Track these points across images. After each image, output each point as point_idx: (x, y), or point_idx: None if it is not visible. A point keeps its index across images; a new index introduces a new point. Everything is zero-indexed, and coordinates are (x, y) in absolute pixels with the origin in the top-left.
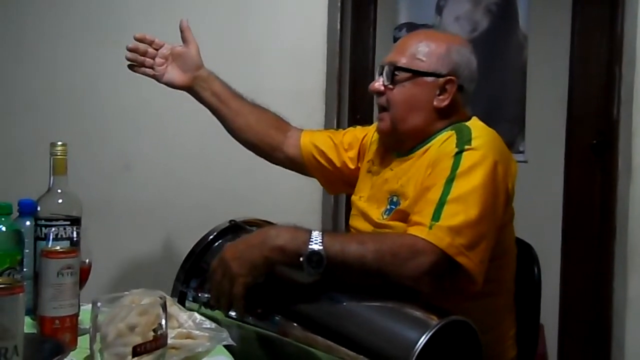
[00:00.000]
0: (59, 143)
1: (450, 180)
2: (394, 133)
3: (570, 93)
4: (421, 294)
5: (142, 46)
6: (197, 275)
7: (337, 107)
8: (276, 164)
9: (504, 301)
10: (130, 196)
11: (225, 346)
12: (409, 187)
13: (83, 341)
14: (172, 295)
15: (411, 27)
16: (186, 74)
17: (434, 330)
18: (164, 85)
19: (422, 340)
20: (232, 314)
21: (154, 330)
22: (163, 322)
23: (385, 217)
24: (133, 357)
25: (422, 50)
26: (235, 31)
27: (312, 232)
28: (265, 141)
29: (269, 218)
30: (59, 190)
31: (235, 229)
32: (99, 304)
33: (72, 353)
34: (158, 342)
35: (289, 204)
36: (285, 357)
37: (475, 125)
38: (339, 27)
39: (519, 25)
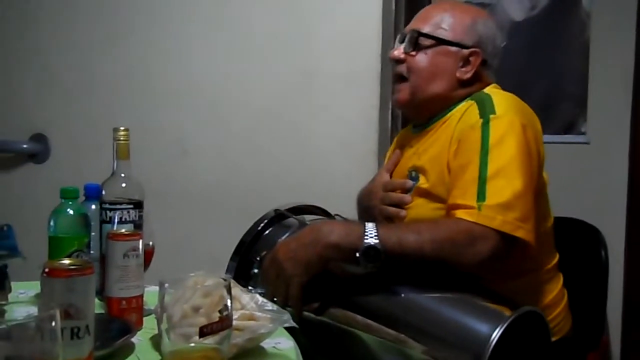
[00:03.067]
0: (122, 128)
1: (484, 155)
2: (412, 103)
3: (636, 72)
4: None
5: None
6: (248, 266)
7: (392, 88)
8: None
9: (545, 275)
10: (188, 181)
11: (287, 328)
12: (428, 162)
13: (147, 322)
14: None
15: None
16: None
17: (507, 324)
18: (220, 73)
19: (496, 333)
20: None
21: (220, 312)
22: (228, 303)
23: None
24: (200, 337)
25: (447, 20)
26: (289, 13)
27: (366, 225)
28: None
29: (321, 202)
30: (123, 175)
31: (281, 217)
32: (166, 285)
33: (138, 333)
34: (224, 323)
35: (341, 188)
36: (348, 343)
37: (494, 91)
38: (394, 7)
39: (582, 2)
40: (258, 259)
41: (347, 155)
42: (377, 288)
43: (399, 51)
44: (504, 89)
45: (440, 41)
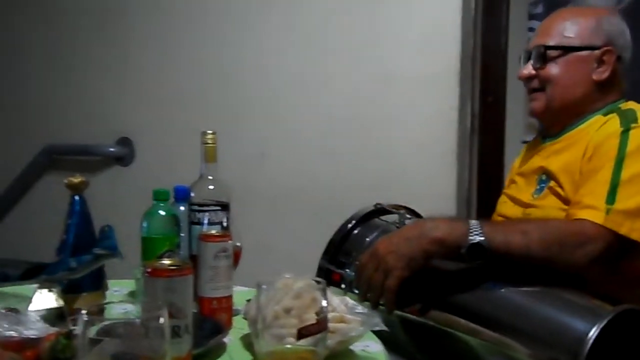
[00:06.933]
0: (209, 132)
1: (620, 160)
2: (549, 111)
3: None
4: (588, 281)
5: None
6: (340, 265)
7: (470, 89)
8: None
9: None
10: (266, 183)
11: (375, 332)
12: (560, 168)
13: (236, 322)
14: None
15: (548, 1)
16: None
17: (606, 321)
18: (297, 79)
19: (594, 331)
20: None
21: (317, 314)
22: (324, 305)
23: (535, 197)
24: (298, 339)
25: (570, 28)
26: (367, 14)
27: (470, 222)
28: None
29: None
30: (210, 177)
31: (373, 215)
32: (263, 286)
33: (228, 333)
34: (321, 325)
35: (422, 190)
36: (433, 343)
37: (638, 106)
38: (473, 5)
39: None
40: (350, 260)
41: (425, 157)
42: (473, 287)
43: (527, 69)
44: None
45: (568, 49)
